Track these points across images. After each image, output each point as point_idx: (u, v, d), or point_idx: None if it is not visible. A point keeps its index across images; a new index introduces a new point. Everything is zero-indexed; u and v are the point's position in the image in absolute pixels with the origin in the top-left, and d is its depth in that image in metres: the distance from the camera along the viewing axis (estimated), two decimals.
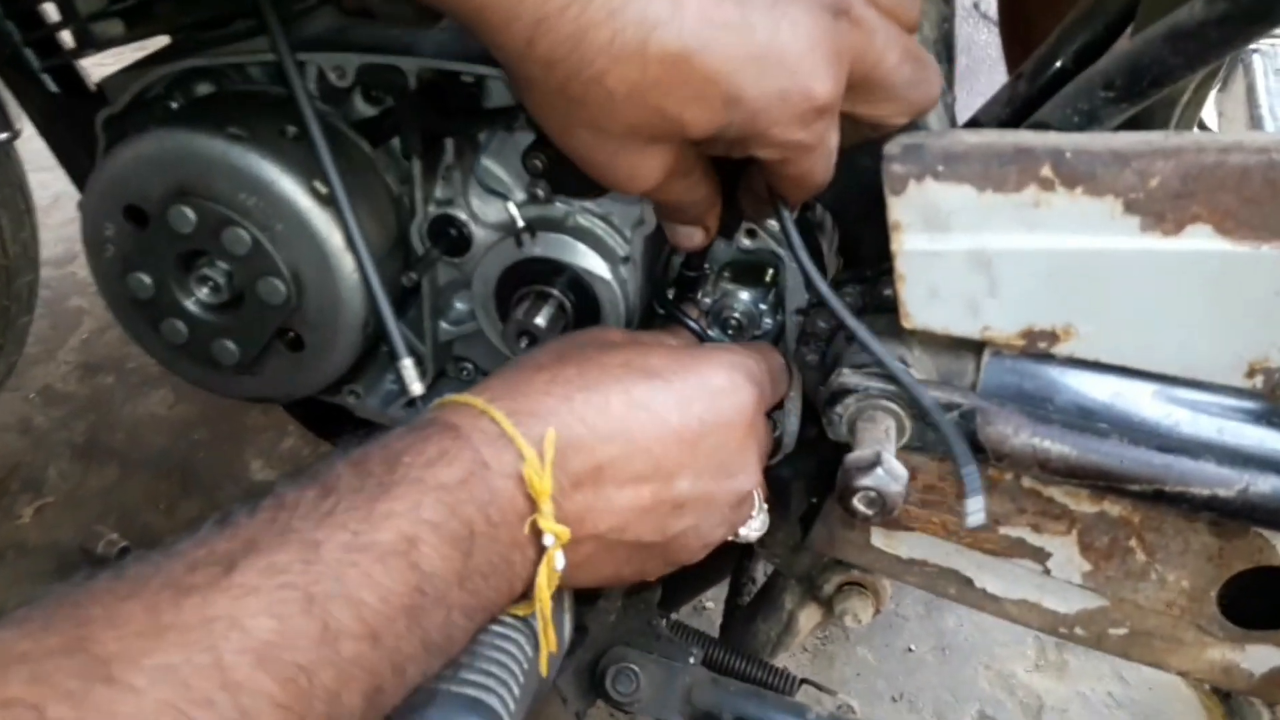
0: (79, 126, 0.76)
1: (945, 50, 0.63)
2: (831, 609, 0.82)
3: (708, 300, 0.70)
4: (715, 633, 0.95)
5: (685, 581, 0.96)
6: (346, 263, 0.62)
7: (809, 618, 0.83)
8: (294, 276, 0.63)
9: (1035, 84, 0.71)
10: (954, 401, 0.55)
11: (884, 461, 0.50)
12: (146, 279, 0.66)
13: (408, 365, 0.53)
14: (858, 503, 0.51)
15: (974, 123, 0.73)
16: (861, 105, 0.51)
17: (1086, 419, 0.56)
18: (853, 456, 0.52)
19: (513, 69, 0.47)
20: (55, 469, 1.58)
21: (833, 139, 0.51)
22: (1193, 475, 0.51)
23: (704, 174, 0.55)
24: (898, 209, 0.54)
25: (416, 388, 0.53)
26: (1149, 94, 0.56)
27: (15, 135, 1.02)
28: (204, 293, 0.66)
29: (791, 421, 0.68)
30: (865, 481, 0.50)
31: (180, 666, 0.33)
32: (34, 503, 1.52)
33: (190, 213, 0.62)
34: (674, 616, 0.83)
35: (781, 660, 0.86)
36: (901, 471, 0.51)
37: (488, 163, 0.66)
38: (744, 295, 0.69)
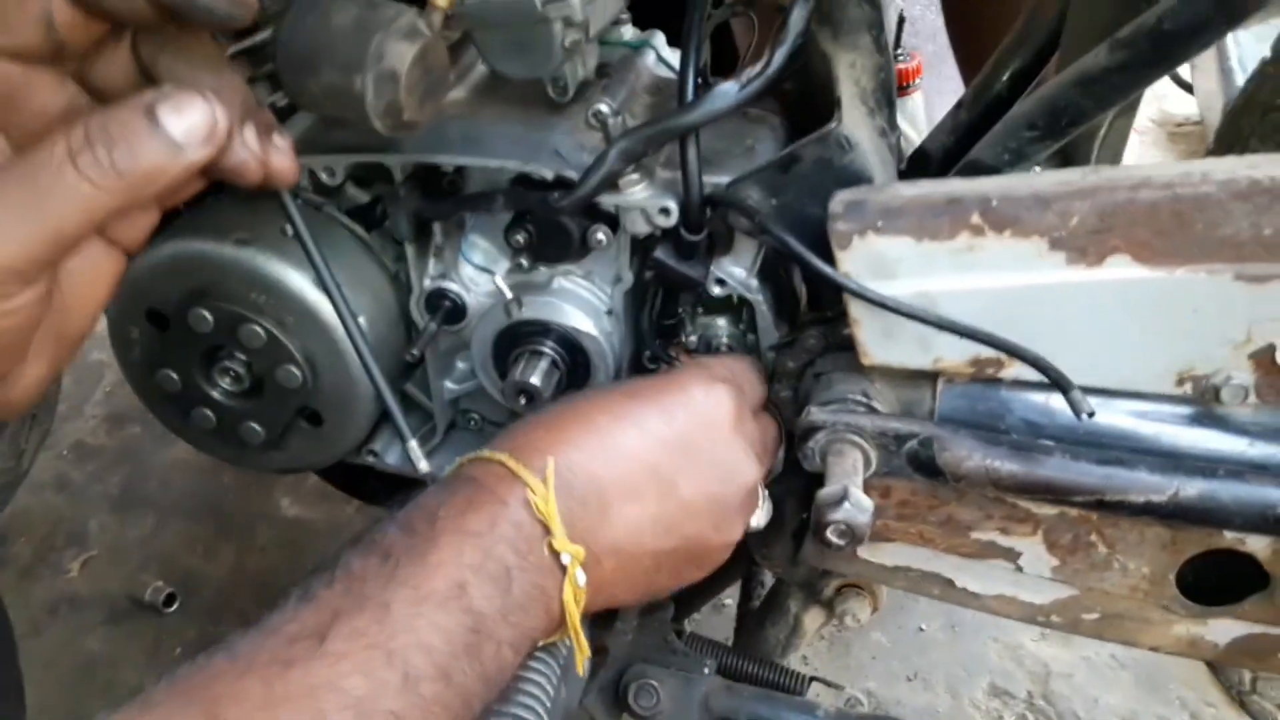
0: None
1: (885, 97, 0.68)
2: (833, 610, 0.87)
3: (692, 338, 0.75)
4: (734, 627, 1.02)
5: (696, 589, 1.02)
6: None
7: (813, 620, 0.89)
8: (308, 361, 0.69)
9: (975, 110, 0.76)
10: (912, 430, 0.61)
11: (850, 495, 0.56)
12: (173, 375, 0.72)
13: (414, 447, 0.59)
14: (830, 535, 0.56)
15: (921, 152, 0.78)
16: None
17: (1036, 434, 0.62)
18: (823, 493, 0.57)
19: None
20: (95, 522, 1.65)
21: None
22: (1129, 484, 0.57)
23: None
24: (846, 261, 0.60)
25: (423, 466, 0.59)
26: (1068, 133, 0.61)
27: None
28: (227, 383, 0.72)
29: (779, 446, 0.74)
30: (835, 515, 0.56)
31: None
32: (79, 556, 1.60)
33: (207, 314, 0.68)
34: (690, 622, 0.89)
35: (800, 648, 0.91)
36: (867, 503, 0.56)
37: (475, 239, 0.72)
38: (722, 322, 0.75)
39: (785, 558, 0.81)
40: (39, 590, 1.54)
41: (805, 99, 0.74)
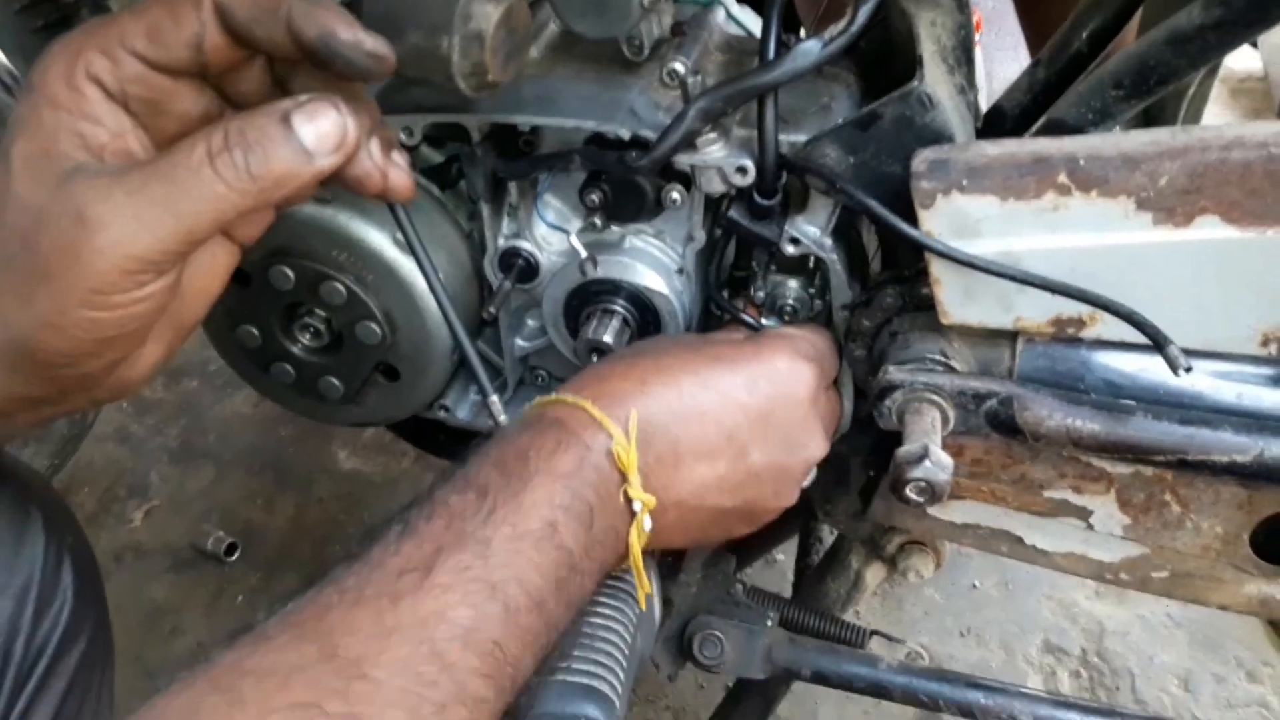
0: None
1: (965, 54, 0.68)
2: (895, 566, 0.88)
3: (760, 294, 0.75)
4: (786, 584, 1.03)
5: (755, 541, 1.03)
6: (432, 302, 0.69)
7: (874, 575, 0.90)
8: (386, 318, 0.71)
9: (1053, 69, 0.75)
10: (992, 390, 0.61)
11: (931, 454, 0.57)
12: (254, 330, 0.73)
13: (495, 401, 0.60)
14: (910, 492, 0.57)
15: (997, 110, 0.77)
16: None
17: (1116, 395, 0.62)
18: (903, 451, 0.58)
19: None
20: (156, 473, 1.69)
21: None
22: (1213, 444, 0.57)
23: None
24: (928, 220, 0.60)
25: (503, 419, 0.60)
26: (1155, 92, 0.60)
27: None
28: (307, 338, 0.74)
29: (845, 405, 0.74)
30: (916, 474, 0.56)
31: (409, 658, 0.42)
32: (141, 507, 1.64)
33: (289, 272, 0.69)
34: (747, 575, 0.90)
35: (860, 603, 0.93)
36: (947, 461, 0.57)
37: (549, 198, 0.73)
38: (793, 283, 0.75)
39: (850, 514, 0.81)
40: (104, 539, 1.58)
41: (881, 56, 0.73)
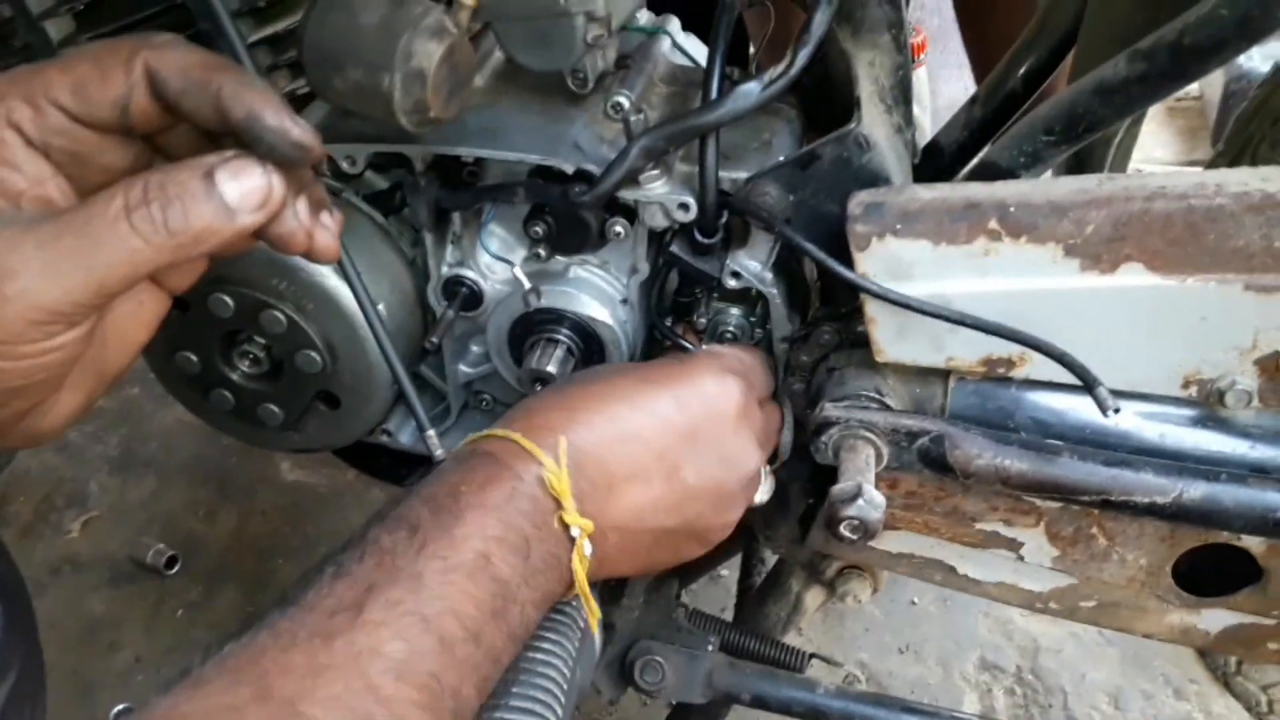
0: None
1: (903, 94, 0.69)
2: (834, 590, 0.90)
3: (703, 320, 0.76)
4: (731, 599, 1.04)
5: (697, 562, 1.04)
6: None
7: (814, 598, 0.91)
8: (327, 347, 0.70)
9: (989, 107, 0.77)
10: (924, 428, 0.62)
11: (864, 493, 0.58)
12: (192, 357, 0.73)
13: (431, 436, 0.60)
14: (844, 530, 0.58)
15: (934, 146, 0.79)
16: None
17: (1045, 433, 0.64)
18: (837, 489, 0.59)
19: None
20: (96, 483, 1.66)
21: None
22: (1134, 485, 0.59)
23: None
24: (864, 262, 0.61)
25: (439, 453, 0.60)
26: (1084, 138, 0.62)
27: None
28: (246, 365, 0.73)
29: (785, 435, 0.75)
30: (849, 511, 0.57)
31: (343, 694, 0.42)
32: (80, 517, 1.61)
33: (228, 299, 0.69)
34: (688, 593, 0.91)
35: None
36: (880, 500, 0.58)
37: (493, 227, 0.73)
38: (735, 311, 0.76)
39: (790, 539, 0.83)
40: (41, 550, 1.55)
41: (821, 91, 0.74)
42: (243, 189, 0.43)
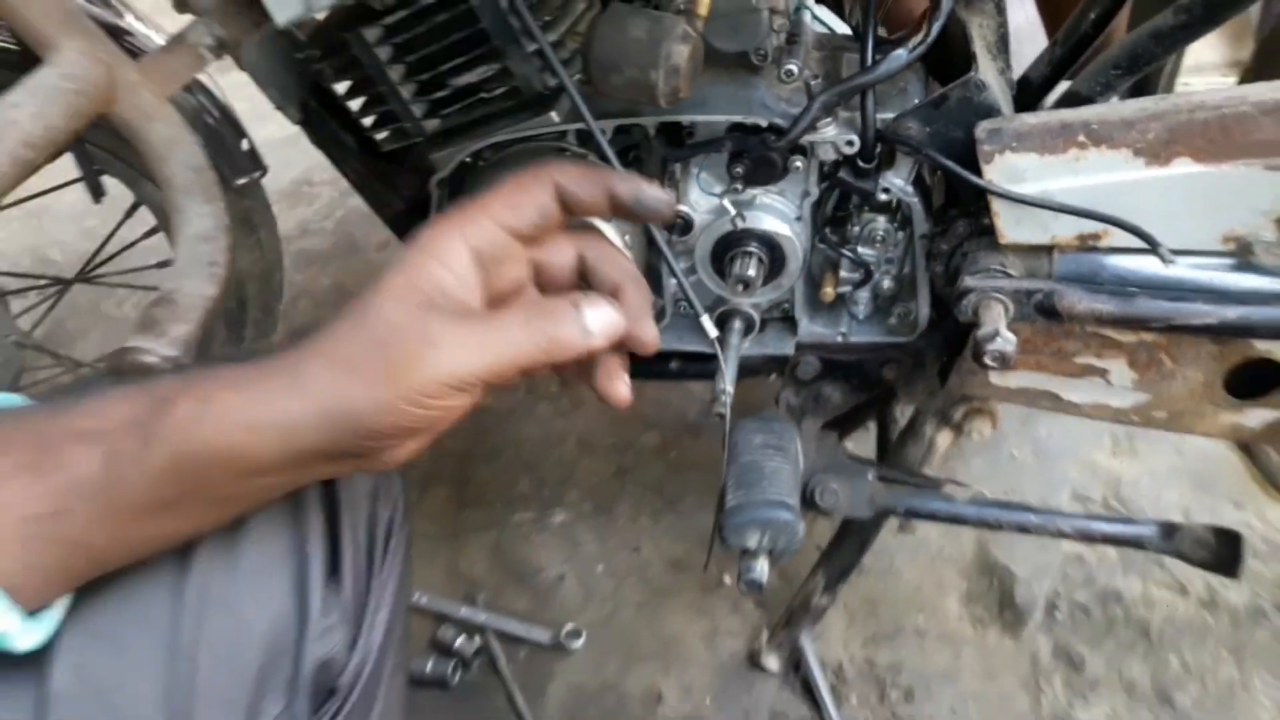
0: (387, 181, 1.11)
1: (1003, 46, 0.93)
2: (961, 430, 1.16)
3: (856, 229, 1.02)
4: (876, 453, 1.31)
5: (855, 413, 1.31)
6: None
7: (944, 439, 1.17)
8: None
9: (1066, 47, 1.00)
10: (1039, 287, 0.88)
11: (1002, 332, 0.83)
12: None
13: (707, 319, 0.85)
14: (988, 359, 0.84)
15: (1025, 80, 1.02)
16: None
17: (1123, 285, 0.89)
18: (982, 332, 0.85)
19: None
20: None
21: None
22: (1190, 313, 0.84)
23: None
24: (989, 171, 0.86)
25: (714, 332, 0.85)
26: (1143, 70, 0.86)
27: (264, 172, 1.38)
28: None
29: (923, 309, 1.01)
30: (992, 346, 0.83)
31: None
32: None
33: None
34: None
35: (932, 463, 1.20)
36: (1012, 337, 0.84)
37: (700, 172, 0.99)
38: (881, 219, 1.01)
39: (927, 391, 1.09)
40: None
41: (939, 47, 0.98)
42: (600, 319, 0.54)
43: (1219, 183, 0.82)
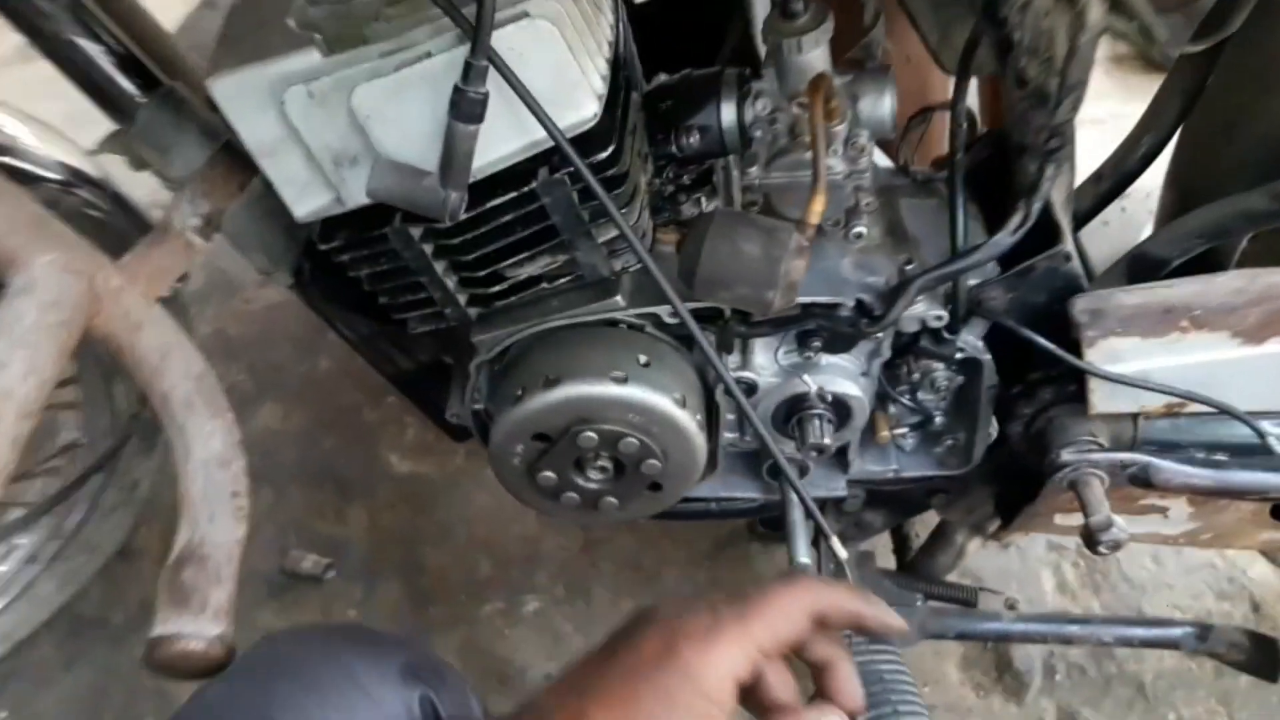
0: (397, 343, 0.99)
1: (1071, 205, 0.91)
2: (986, 533, 1.17)
3: (916, 375, 0.99)
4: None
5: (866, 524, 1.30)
6: (700, 440, 0.90)
7: (974, 545, 1.18)
8: (664, 453, 0.90)
9: (1112, 179, 1.00)
10: (1133, 460, 0.88)
11: (1116, 522, 0.84)
12: (552, 475, 0.92)
13: (836, 542, 0.81)
14: (1103, 549, 0.84)
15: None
16: None
17: (1204, 448, 0.90)
18: (1094, 521, 0.85)
19: None
20: None
21: None
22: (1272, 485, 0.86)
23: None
24: (1091, 354, 0.85)
25: (844, 554, 0.81)
26: (1223, 241, 0.86)
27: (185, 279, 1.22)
28: (596, 474, 0.93)
29: (979, 449, 1.01)
30: (1107, 537, 0.83)
31: None
32: None
33: (593, 434, 0.88)
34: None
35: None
36: (1125, 525, 0.84)
37: (771, 341, 0.93)
38: (939, 367, 0.98)
39: (980, 519, 1.09)
40: None
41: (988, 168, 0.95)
42: None
43: None
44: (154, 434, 1.55)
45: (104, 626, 1.61)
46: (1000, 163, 0.91)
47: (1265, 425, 0.89)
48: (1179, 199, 1.00)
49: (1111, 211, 1.09)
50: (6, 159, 1.18)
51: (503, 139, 0.73)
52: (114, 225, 1.27)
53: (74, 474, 1.45)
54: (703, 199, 0.91)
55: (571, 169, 0.73)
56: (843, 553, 0.81)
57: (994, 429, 0.98)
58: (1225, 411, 0.84)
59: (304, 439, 1.87)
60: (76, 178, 1.26)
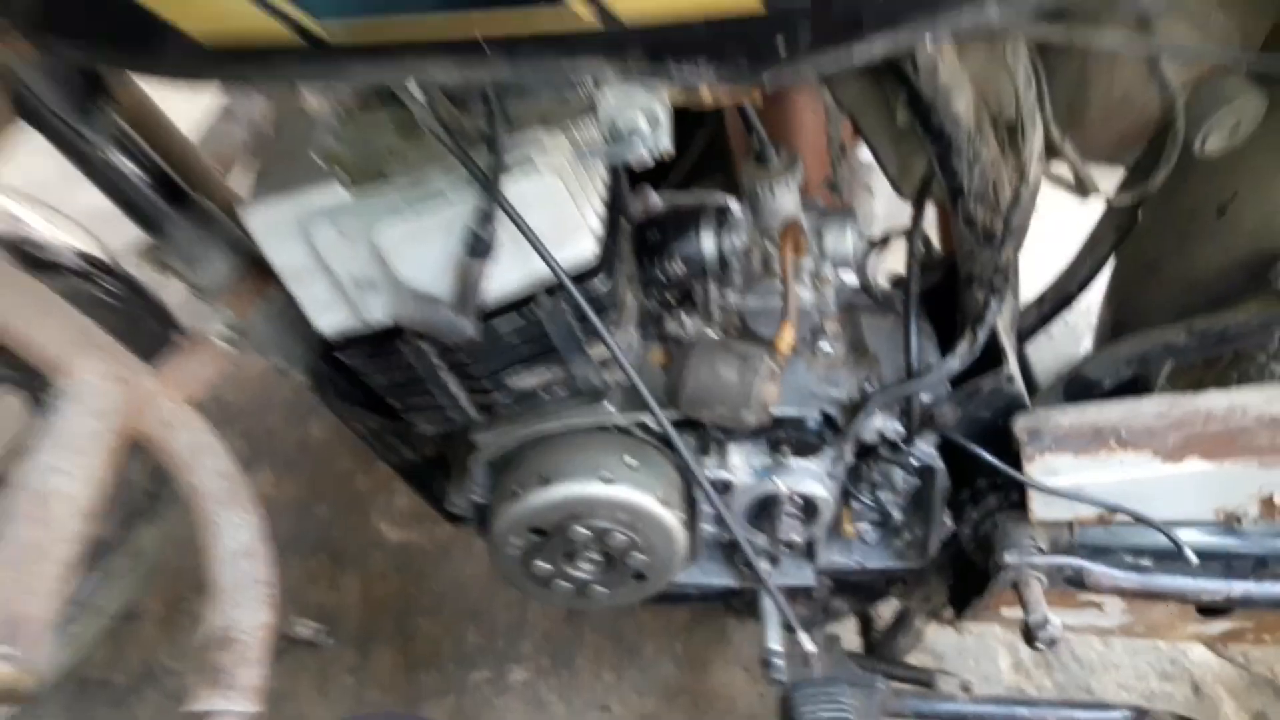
0: (403, 437, 1.08)
1: (1016, 325, 1.02)
2: (941, 617, 1.27)
3: (876, 476, 1.09)
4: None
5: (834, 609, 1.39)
6: (682, 535, 0.99)
7: (930, 628, 1.28)
8: (649, 547, 1.00)
9: (1052, 303, 1.11)
10: (1069, 564, 0.98)
11: (1052, 620, 0.93)
12: (546, 565, 1.01)
13: (805, 638, 0.91)
14: (1040, 644, 0.93)
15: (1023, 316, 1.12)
16: None
17: (1131, 551, 1.00)
18: (1033, 619, 0.94)
19: None
20: None
21: None
22: (1201, 590, 0.96)
23: None
24: (1030, 468, 0.95)
25: (812, 648, 0.90)
26: (1153, 370, 0.97)
27: None
28: (586, 565, 1.02)
29: (934, 544, 1.10)
30: (1044, 634, 0.93)
31: None
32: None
33: (583, 529, 0.97)
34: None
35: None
36: (1059, 623, 0.94)
37: (744, 445, 1.03)
38: (897, 470, 1.08)
39: (936, 607, 1.18)
40: (182, 640, 1.75)
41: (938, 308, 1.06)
42: None
43: (1219, 475, 0.95)
44: (160, 505, 1.63)
45: (108, 688, 1.67)
46: (952, 283, 1.02)
47: (1181, 535, 0.99)
48: (1113, 319, 1.12)
49: (1056, 323, 1.20)
50: (29, 249, 1.27)
51: (510, 273, 0.82)
52: (131, 313, 1.37)
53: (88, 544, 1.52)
54: (685, 316, 1.02)
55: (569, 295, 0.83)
56: (810, 646, 0.90)
57: (950, 522, 1.08)
58: (1145, 523, 0.94)
59: (298, 507, 1.95)
60: (94, 266, 1.35)
